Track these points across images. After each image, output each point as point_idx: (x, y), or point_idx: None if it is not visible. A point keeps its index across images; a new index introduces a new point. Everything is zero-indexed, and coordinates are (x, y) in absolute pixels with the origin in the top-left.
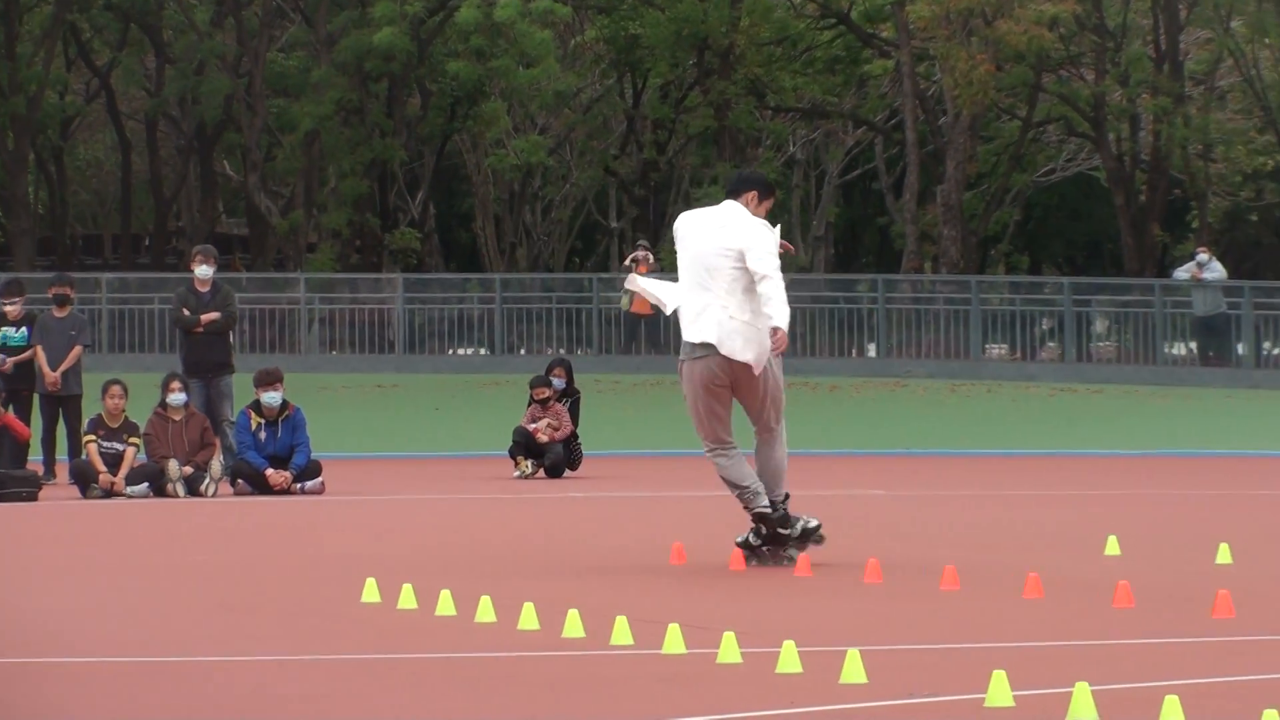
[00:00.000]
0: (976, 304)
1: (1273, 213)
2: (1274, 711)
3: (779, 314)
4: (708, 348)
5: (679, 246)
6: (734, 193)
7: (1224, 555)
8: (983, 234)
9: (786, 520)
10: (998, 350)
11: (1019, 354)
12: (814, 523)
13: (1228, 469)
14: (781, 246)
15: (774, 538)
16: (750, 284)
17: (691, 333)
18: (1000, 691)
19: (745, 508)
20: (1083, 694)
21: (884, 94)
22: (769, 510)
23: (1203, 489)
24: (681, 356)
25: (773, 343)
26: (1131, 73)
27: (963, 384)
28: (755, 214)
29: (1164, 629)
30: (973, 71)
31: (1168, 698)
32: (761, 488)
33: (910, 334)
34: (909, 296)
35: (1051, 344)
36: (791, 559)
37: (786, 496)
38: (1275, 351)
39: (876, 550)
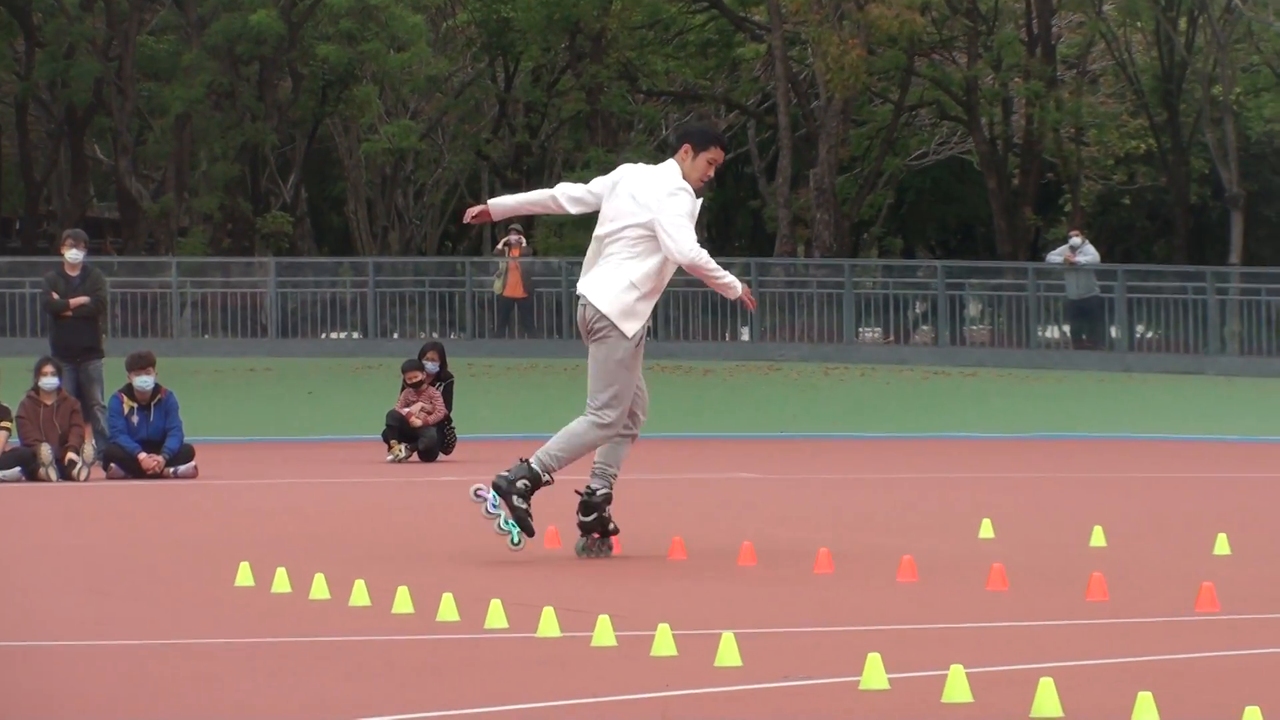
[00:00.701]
0: (850, 287)
1: (1145, 196)
2: (1148, 694)
3: (725, 282)
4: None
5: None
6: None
7: (1098, 538)
8: (855, 217)
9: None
10: (871, 334)
11: (892, 337)
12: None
13: (1100, 452)
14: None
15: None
16: (653, 251)
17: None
18: (875, 674)
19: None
20: (957, 676)
21: (756, 78)
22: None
23: (1075, 472)
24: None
25: (746, 300)
26: (1004, 56)
27: (836, 367)
28: (689, 170)
29: (1038, 611)
30: (845, 56)
31: (1042, 680)
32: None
33: (783, 318)
34: (782, 280)
35: (925, 327)
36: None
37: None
38: (1148, 335)
39: (751, 534)
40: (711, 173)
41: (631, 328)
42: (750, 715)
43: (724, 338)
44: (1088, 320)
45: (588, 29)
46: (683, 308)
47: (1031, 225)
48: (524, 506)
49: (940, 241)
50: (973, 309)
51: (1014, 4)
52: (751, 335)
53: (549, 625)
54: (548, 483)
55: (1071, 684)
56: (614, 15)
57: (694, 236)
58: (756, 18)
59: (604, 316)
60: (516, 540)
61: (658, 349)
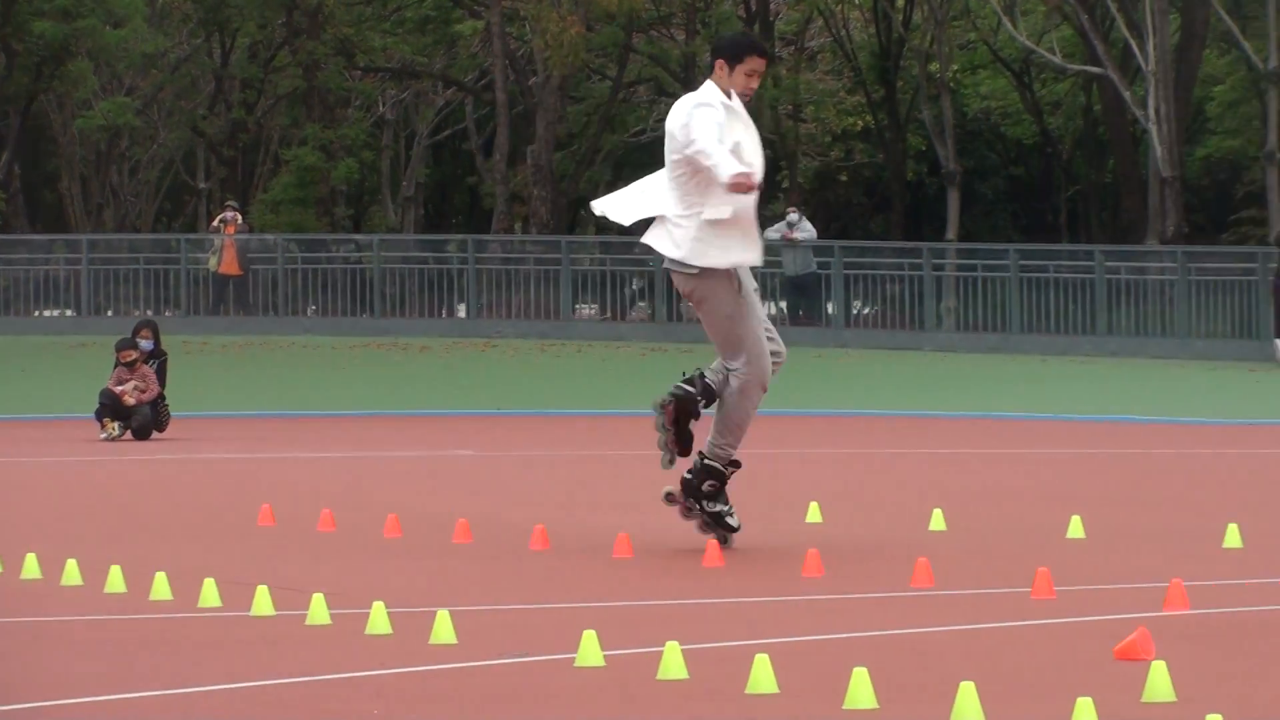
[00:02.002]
0: (567, 264)
1: (862, 173)
2: (863, 669)
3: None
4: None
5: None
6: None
7: (814, 514)
8: (573, 195)
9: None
10: (588, 310)
11: (609, 314)
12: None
13: (817, 427)
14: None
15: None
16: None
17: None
18: (591, 651)
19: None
20: (673, 653)
21: (474, 54)
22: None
23: (792, 448)
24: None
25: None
26: (722, 32)
27: (553, 344)
28: (728, 85)
29: (754, 588)
30: (564, 32)
31: (758, 656)
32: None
33: (500, 294)
34: (499, 257)
35: (641, 304)
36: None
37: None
38: (865, 311)
39: (466, 511)
40: (755, 84)
41: (711, 259)
42: (465, 693)
43: (441, 314)
44: (805, 296)
45: (304, 5)
46: (399, 284)
47: None
48: (718, 509)
49: None
50: None
51: None
52: (468, 312)
53: (263, 604)
54: (735, 464)
55: (787, 660)
56: None
57: (710, 134)
58: None
59: (679, 265)
60: (727, 540)
61: (373, 326)
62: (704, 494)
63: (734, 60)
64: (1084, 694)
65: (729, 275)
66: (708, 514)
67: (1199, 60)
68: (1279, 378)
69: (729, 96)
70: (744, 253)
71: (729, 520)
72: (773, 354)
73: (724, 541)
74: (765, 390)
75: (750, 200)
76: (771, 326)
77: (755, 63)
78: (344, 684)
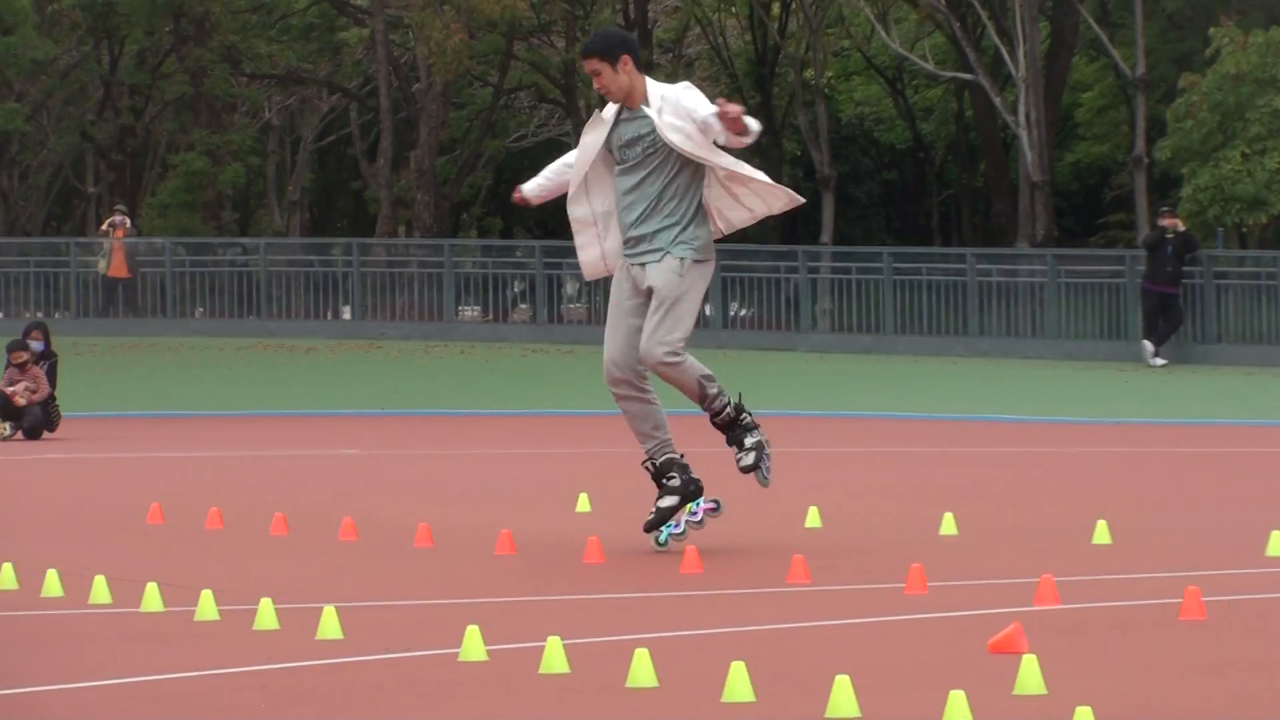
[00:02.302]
0: (450, 267)
1: None
2: (740, 663)
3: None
4: None
5: None
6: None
7: None
8: (456, 198)
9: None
10: (470, 312)
11: (491, 315)
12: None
13: (695, 427)
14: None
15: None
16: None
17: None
18: (474, 646)
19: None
20: (555, 647)
21: (359, 61)
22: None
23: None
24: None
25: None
26: None
27: (436, 345)
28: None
29: (634, 584)
30: (447, 40)
31: (638, 650)
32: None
33: (385, 296)
34: (383, 260)
35: (523, 306)
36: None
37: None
38: (743, 313)
39: (351, 509)
40: (597, 84)
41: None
42: (351, 687)
43: (326, 316)
44: None
45: (192, 13)
46: (285, 287)
47: None
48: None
49: (539, 222)
50: (569, 288)
51: None
52: (353, 314)
53: (152, 600)
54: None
55: (666, 655)
56: None
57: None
58: (359, 2)
59: None
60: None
61: (259, 328)
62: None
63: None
64: (957, 687)
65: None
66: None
67: (1068, 67)
68: (1147, 377)
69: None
70: (582, 254)
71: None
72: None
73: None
74: (613, 391)
75: (602, 206)
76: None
77: (586, 65)
78: (232, 678)
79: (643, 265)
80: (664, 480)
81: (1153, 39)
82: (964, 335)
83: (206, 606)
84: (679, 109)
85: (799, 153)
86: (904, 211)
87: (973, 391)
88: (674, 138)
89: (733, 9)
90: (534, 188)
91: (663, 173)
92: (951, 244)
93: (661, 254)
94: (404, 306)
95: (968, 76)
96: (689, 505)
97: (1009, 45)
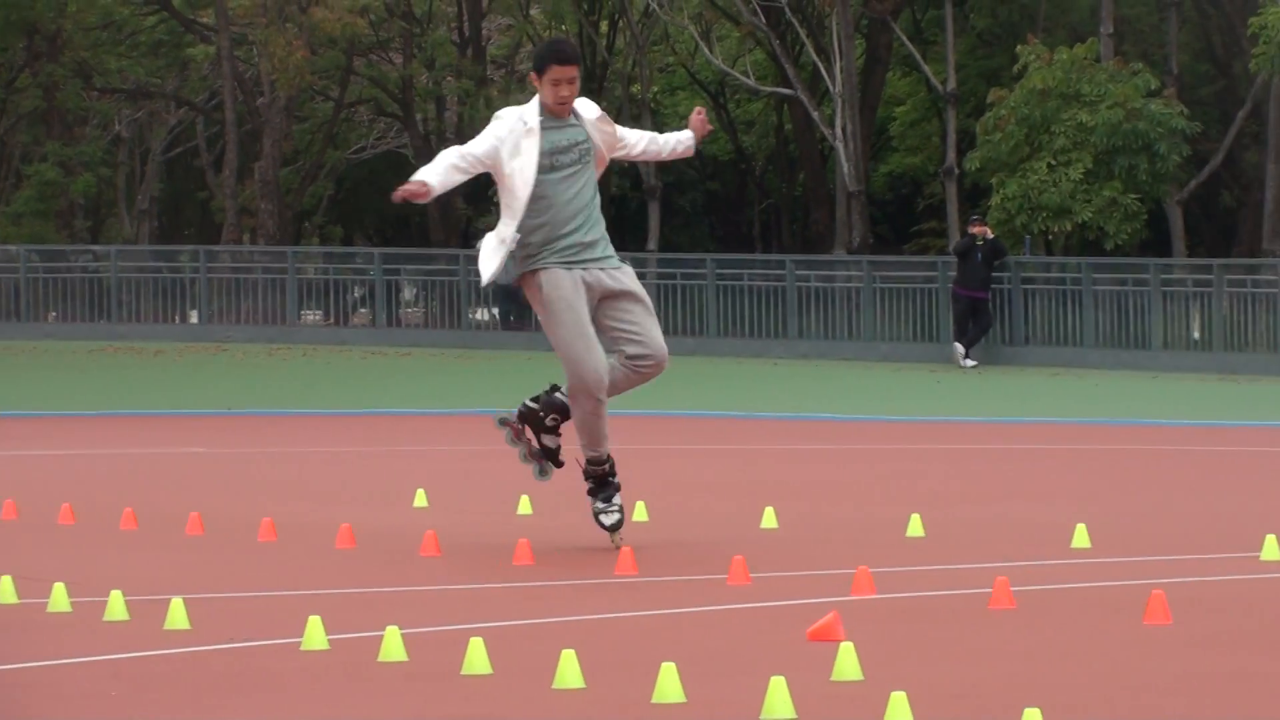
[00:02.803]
0: (292, 273)
1: None
2: (571, 651)
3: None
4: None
5: None
6: None
7: (524, 506)
8: (298, 208)
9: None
10: (313, 316)
11: (333, 319)
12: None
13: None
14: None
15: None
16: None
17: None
18: (316, 635)
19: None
20: (393, 636)
21: (205, 76)
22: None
23: (502, 445)
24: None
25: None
26: (437, 57)
27: (280, 348)
28: (544, 96)
29: (469, 575)
30: (289, 56)
31: (472, 639)
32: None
33: (230, 301)
34: (229, 266)
35: (363, 310)
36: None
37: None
38: None
39: (198, 505)
40: (565, 91)
41: (491, 268)
42: (198, 675)
43: (174, 320)
44: (516, 303)
45: (44, 30)
46: (135, 292)
47: (463, 215)
48: (553, 444)
49: (378, 230)
50: (408, 293)
51: (447, 8)
52: (200, 318)
53: (6, 592)
54: (600, 463)
55: (500, 643)
56: (69, 16)
57: (479, 146)
58: (205, 20)
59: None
60: (544, 472)
61: (110, 331)
62: (545, 427)
63: (540, 71)
64: (778, 673)
65: (536, 282)
66: (542, 445)
67: (882, 82)
68: (958, 378)
69: (542, 112)
70: (490, 262)
71: (558, 457)
72: (639, 357)
73: (539, 474)
74: (596, 399)
75: (514, 219)
76: (637, 329)
77: (558, 71)
78: (84, 667)
79: (602, 269)
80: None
81: (963, 55)
82: (784, 338)
83: (59, 598)
84: (590, 117)
85: (626, 164)
86: (726, 220)
87: (792, 391)
88: (602, 143)
89: (563, 26)
90: (438, 180)
91: (591, 180)
92: (772, 251)
93: (615, 260)
94: (248, 311)
95: (787, 91)
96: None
97: (826, 62)
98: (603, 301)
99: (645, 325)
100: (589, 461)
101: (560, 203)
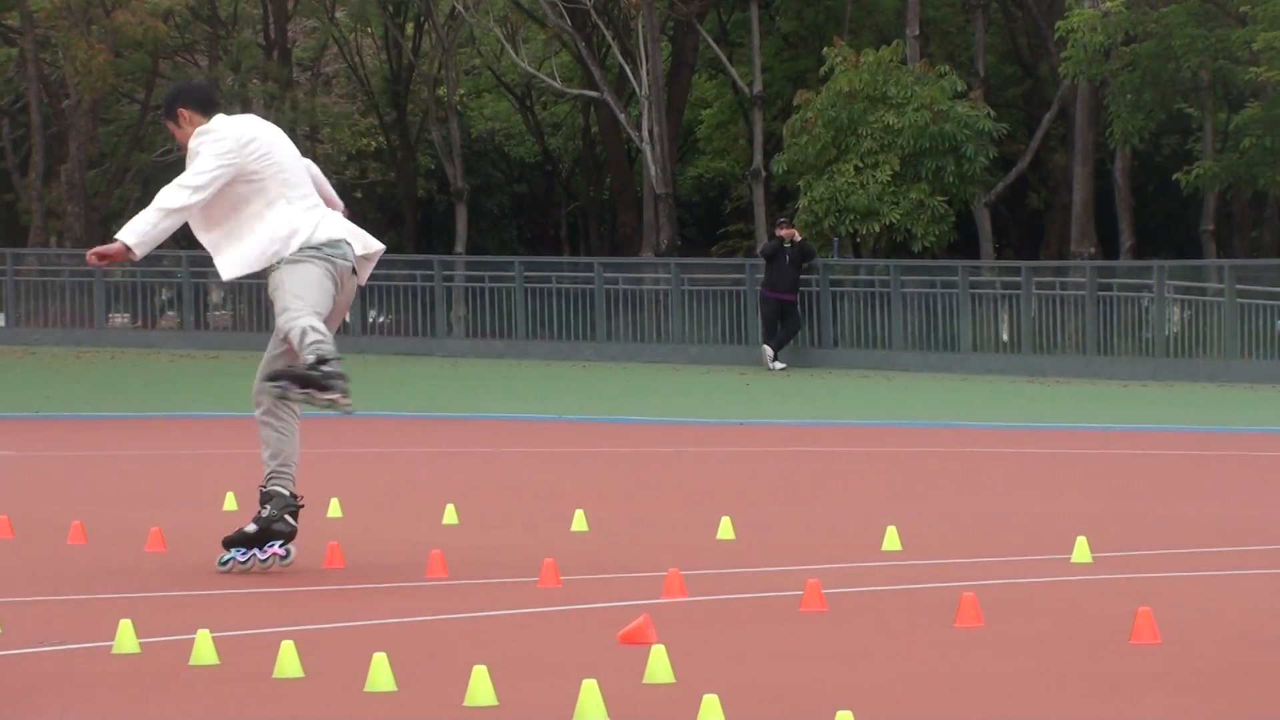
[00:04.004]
0: (100, 276)
1: (376, 190)
2: (383, 654)
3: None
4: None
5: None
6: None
7: (334, 509)
8: (105, 210)
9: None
10: (121, 319)
11: (141, 322)
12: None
13: (342, 427)
14: None
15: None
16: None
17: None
18: (127, 639)
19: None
20: (204, 640)
21: (10, 79)
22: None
23: (318, 447)
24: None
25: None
26: (243, 59)
27: (88, 351)
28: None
29: (279, 579)
30: (92, 59)
31: (284, 642)
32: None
33: (38, 304)
34: (36, 269)
35: (171, 313)
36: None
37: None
38: (380, 319)
39: (6, 508)
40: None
41: None
42: (8, 679)
43: None
44: None
45: None
46: None
47: None
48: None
49: (184, 233)
50: (215, 296)
51: (252, 10)
52: (8, 321)
53: None
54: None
55: (311, 646)
56: None
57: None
58: (9, 22)
59: None
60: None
61: None
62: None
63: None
64: (590, 676)
65: None
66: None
67: (689, 85)
68: (767, 380)
69: None
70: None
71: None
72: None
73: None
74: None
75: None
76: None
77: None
78: None
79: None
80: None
81: (769, 58)
82: (592, 340)
83: None
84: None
85: (433, 166)
86: (534, 222)
87: (601, 394)
88: None
89: (369, 29)
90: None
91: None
92: (580, 253)
93: None
94: (56, 313)
95: (594, 94)
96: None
97: (633, 64)
98: None
99: None
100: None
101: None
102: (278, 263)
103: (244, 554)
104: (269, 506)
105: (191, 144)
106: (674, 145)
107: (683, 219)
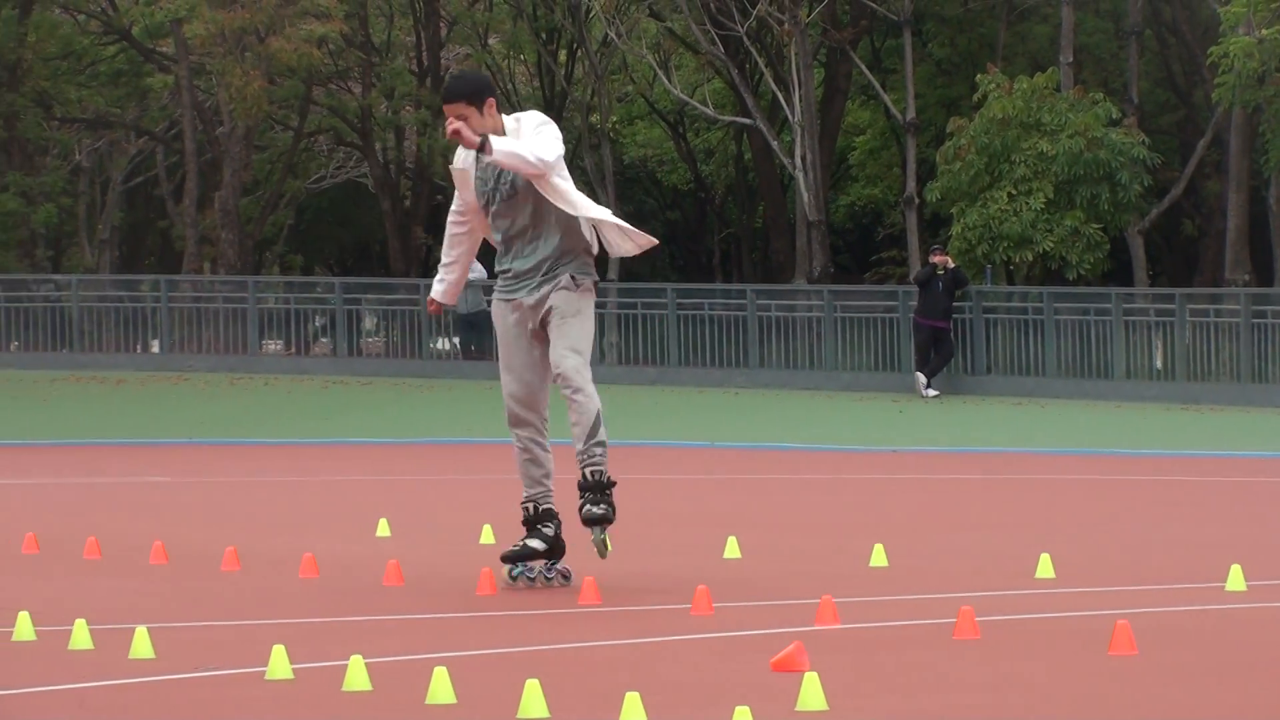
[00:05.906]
0: (253, 302)
1: None
2: (535, 681)
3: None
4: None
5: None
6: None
7: (487, 536)
8: (259, 237)
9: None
10: (273, 345)
11: (293, 349)
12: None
13: (491, 455)
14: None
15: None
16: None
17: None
18: (280, 665)
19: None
20: (357, 666)
21: (165, 106)
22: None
23: (470, 474)
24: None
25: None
26: (396, 86)
27: (241, 377)
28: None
29: (433, 605)
30: (247, 86)
31: (436, 669)
32: None
33: (192, 331)
34: (190, 296)
35: (324, 340)
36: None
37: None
38: None
39: (162, 534)
40: (450, 127)
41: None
42: (163, 704)
43: (135, 349)
44: (476, 333)
45: (5, 59)
46: (97, 321)
47: (422, 244)
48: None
49: (338, 259)
50: (368, 322)
51: (406, 37)
52: (161, 347)
53: None
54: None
55: (464, 673)
56: (29, 46)
57: (455, 200)
58: (164, 50)
59: None
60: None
61: (72, 360)
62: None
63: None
64: (742, 703)
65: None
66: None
67: (842, 111)
68: (920, 408)
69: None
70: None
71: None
72: (555, 377)
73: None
74: (514, 433)
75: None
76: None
77: (446, 110)
78: (49, 696)
79: (532, 294)
80: (539, 525)
81: (922, 85)
82: (745, 367)
83: (24, 627)
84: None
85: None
86: (687, 249)
87: (754, 421)
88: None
89: (521, 56)
90: (445, 291)
91: (528, 208)
92: (732, 280)
93: (561, 277)
94: (210, 340)
95: (746, 121)
96: (551, 560)
97: (785, 91)
98: (544, 327)
99: (554, 342)
100: (521, 502)
101: (504, 237)
102: (587, 277)
103: (531, 570)
104: (551, 527)
105: (524, 125)
106: (827, 172)
107: (835, 246)
